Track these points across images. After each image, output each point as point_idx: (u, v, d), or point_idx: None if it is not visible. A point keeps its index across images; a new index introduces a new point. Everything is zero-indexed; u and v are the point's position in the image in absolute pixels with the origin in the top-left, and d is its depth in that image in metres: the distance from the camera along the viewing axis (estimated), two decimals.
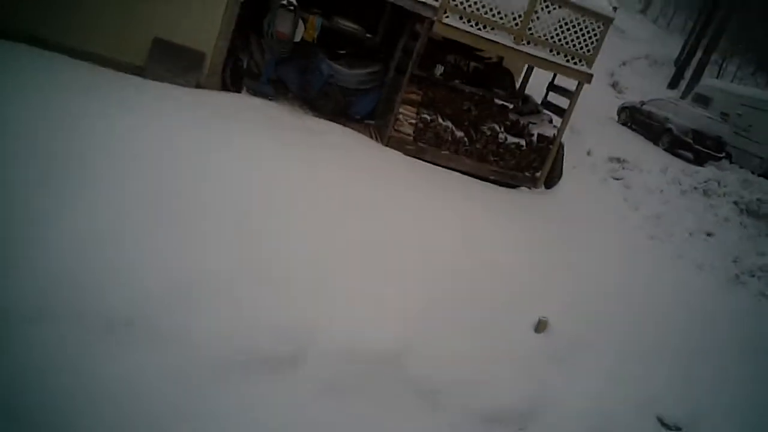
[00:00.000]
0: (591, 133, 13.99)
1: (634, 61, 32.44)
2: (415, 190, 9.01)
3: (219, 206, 7.04)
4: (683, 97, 26.23)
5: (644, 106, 20.31)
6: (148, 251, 6.23)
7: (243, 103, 10.19)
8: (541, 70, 12.87)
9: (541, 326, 7.51)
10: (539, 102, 12.85)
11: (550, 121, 11.98)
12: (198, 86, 10.49)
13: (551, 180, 11.58)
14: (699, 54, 30.43)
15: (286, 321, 6.30)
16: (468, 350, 6.96)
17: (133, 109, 8.37)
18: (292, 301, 6.47)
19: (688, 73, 30.64)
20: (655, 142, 18.75)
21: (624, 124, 20.71)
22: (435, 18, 10.34)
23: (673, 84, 30.93)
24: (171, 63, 10.38)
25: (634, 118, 20.46)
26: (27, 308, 5.32)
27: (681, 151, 18.23)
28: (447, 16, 10.38)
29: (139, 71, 10.24)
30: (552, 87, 12.77)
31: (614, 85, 28.69)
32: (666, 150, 18.14)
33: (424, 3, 10.41)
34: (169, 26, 10.34)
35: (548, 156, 11.34)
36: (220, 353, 5.88)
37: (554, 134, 11.41)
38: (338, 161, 8.84)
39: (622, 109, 21.35)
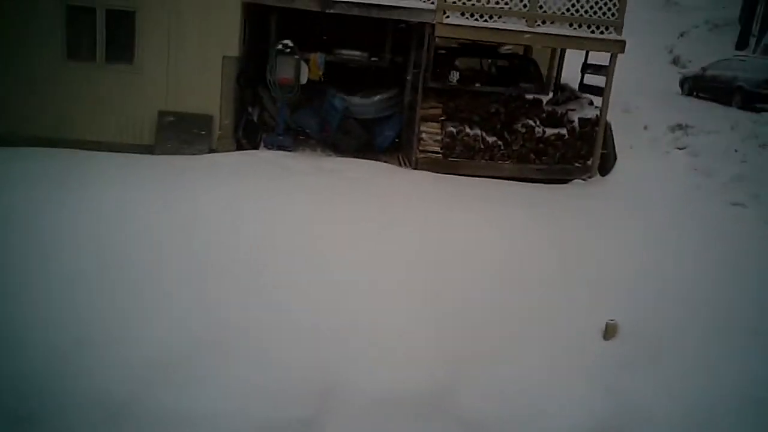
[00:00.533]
0: (648, 109, 12.59)
1: (692, 30, 30.26)
2: (442, 210, 8.06)
3: (230, 262, 6.50)
4: (754, 53, 23.96)
5: (707, 72, 18.53)
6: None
7: (255, 158, 9.67)
8: (574, 56, 11.94)
9: (609, 331, 6.30)
10: (576, 88, 11.70)
11: (591, 104, 10.80)
12: (211, 151, 10.10)
13: (605, 165, 10.34)
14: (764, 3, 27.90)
15: (305, 379, 5.46)
16: (527, 371, 5.88)
17: (144, 187, 8.05)
18: (312, 350, 5.66)
19: (757, 28, 28.15)
20: (728, 104, 16.91)
21: (689, 95, 18.94)
22: (434, 21, 9.58)
23: (741, 44, 28.39)
24: (179, 133, 10.07)
25: (699, 85, 18.66)
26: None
27: (759, 105, 16.30)
28: (447, 16, 9.61)
29: (149, 149, 9.98)
30: (586, 67, 11.58)
31: (675, 61, 26.70)
32: (741, 109, 16.27)
33: (419, 9, 9.70)
34: (170, 97, 10.09)
35: (596, 140, 10.15)
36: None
37: (596, 115, 10.23)
38: (353, 194, 8.09)
39: (684, 80, 19.58)
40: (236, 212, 7.35)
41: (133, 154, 9.62)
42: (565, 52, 12.01)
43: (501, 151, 10.04)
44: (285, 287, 6.33)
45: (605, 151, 10.31)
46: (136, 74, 10.02)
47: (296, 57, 10.18)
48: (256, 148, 10.46)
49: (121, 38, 9.98)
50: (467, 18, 9.63)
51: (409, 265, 6.73)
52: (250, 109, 10.73)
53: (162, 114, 10.10)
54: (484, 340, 6.04)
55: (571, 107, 10.62)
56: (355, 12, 9.92)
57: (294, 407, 5.21)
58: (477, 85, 10.55)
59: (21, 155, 8.98)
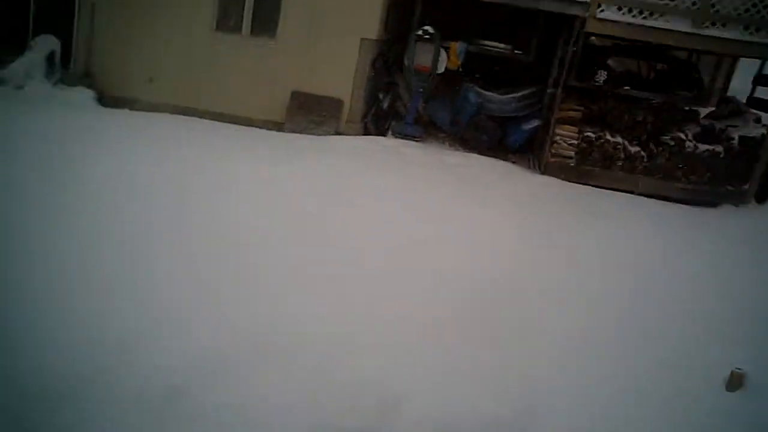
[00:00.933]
0: None
1: None
2: (563, 225, 7.32)
3: (316, 252, 6.21)
4: None
5: None
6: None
7: (379, 146, 9.43)
8: (746, 64, 10.57)
9: (734, 381, 5.37)
10: (744, 101, 10.31)
11: (758, 121, 9.43)
12: (338, 133, 10.03)
13: (764, 191, 9.02)
14: None
15: (363, 386, 5.08)
16: (630, 425, 5.12)
17: (268, 161, 8.02)
18: (373, 361, 5.24)
19: None
20: None
21: None
22: (586, 15, 8.79)
23: None
24: (309, 114, 10.10)
25: None
26: (70, 376, 4.76)
27: None
28: (602, 10, 8.75)
29: (278, 126, 10.07)
30: (760, 79, 10.12)
31: None
32: None
33: (570, 1, 8.94)
34: (305, 78, 10.12)
35: (756, 162, 8.87)
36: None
37: (762, 134, 8.93)
38: (467, 194, 7.60)
39: None
40: (339, 201, 7.12)
41: (263, 130, 9.80)
42: (737, 60, 10.67)
43: (643, 164, 9.05)
44: (371, 290, 5.97)
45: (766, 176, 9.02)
46: (277, 50, 10.13)
47: (436, 44, 9.81)
48: (383, 134, 10.25)
49: (268, 12, 10.12)
50: (624, 14, 8.75)
51: (510, 285, 6.14)
52: (381, 95, 10.52)
53: (295, 93, 10.15)
54: (579, 383, 5.35)
55: (733, 123, 9.37)
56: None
57: (351, 417, 4.86)
58: (626, 88, 9.59)
59: (161, 121, 9.38)
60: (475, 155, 9.65)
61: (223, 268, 5.86)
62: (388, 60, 10.51)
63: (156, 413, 4.43)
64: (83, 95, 10.26)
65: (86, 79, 10.55)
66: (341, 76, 10.04)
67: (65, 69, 10.69)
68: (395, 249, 6.32)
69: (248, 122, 9.98)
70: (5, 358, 4.60)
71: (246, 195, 6.84)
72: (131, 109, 10.19)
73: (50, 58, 10.57)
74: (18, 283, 5.32)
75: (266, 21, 10.17)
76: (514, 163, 9.67)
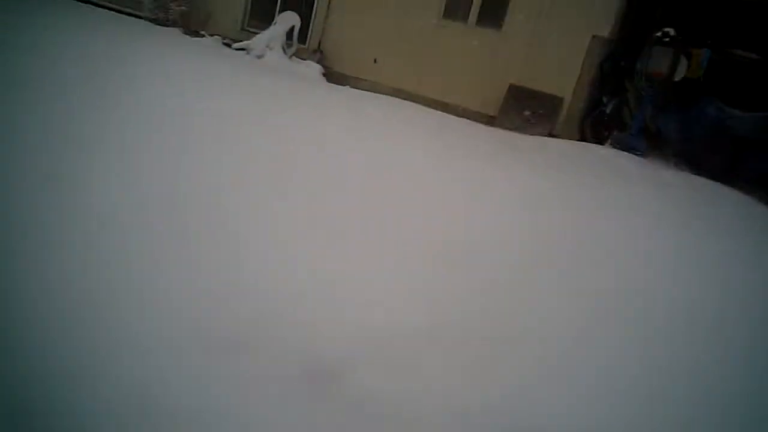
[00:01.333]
0: None
1: None
2: None
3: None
4: None
5: None
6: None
7: (592, 154, 8.68)
8: None
9: None
10: None
11: None
12: (550, 135, 9.52)
13: None
14: None
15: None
16: None
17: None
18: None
19: None
20: None
21: None
22: None
23: None
24: (524, 111, 9.73)
25: None
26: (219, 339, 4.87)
27: None
28: None
29: (490, 120, 9.83)
30: None
31: None
32: None
33: None
34: (525, 73, 9.79)
35: None
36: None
37: None
38: (679, 225, 6.74)
39: None
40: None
41: (474, 122, 9.61)
42: None
43: None
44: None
45: None
46: (501, 41, 9.88)
47: (676, 49, 8.84)
48: (600, 143, 9.51)
49: (496, 2, 9.90)
50: None
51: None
52: (605, 99, 9.77)
53: (512, 87, 9.81)
54: None
55: None
56: None
57: None
58: None
59: (377, 100, 9.57)
60: (704, 179, 8.56)
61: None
62: (618, 62, 9.70)
63: None
64: (312, 69, 10.86)
65: (317, 54, 11.14)
66: (565, 74, 9.51)
67: (302, 44, 11.39)
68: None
69: (459, 112, 9.85)
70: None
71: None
72: (353, 86, 10.59)
73: (290, 33, 11.33)
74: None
75: (494, 11, 9.96)
76: (749, 194, 8.44)
